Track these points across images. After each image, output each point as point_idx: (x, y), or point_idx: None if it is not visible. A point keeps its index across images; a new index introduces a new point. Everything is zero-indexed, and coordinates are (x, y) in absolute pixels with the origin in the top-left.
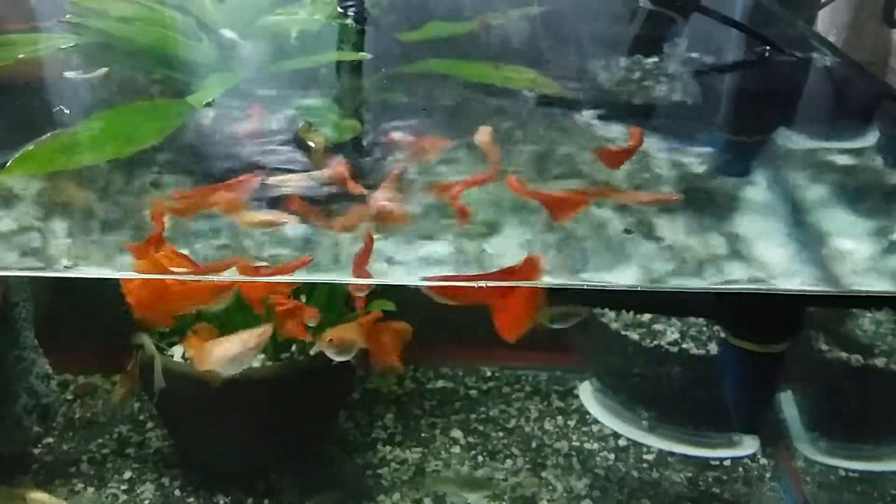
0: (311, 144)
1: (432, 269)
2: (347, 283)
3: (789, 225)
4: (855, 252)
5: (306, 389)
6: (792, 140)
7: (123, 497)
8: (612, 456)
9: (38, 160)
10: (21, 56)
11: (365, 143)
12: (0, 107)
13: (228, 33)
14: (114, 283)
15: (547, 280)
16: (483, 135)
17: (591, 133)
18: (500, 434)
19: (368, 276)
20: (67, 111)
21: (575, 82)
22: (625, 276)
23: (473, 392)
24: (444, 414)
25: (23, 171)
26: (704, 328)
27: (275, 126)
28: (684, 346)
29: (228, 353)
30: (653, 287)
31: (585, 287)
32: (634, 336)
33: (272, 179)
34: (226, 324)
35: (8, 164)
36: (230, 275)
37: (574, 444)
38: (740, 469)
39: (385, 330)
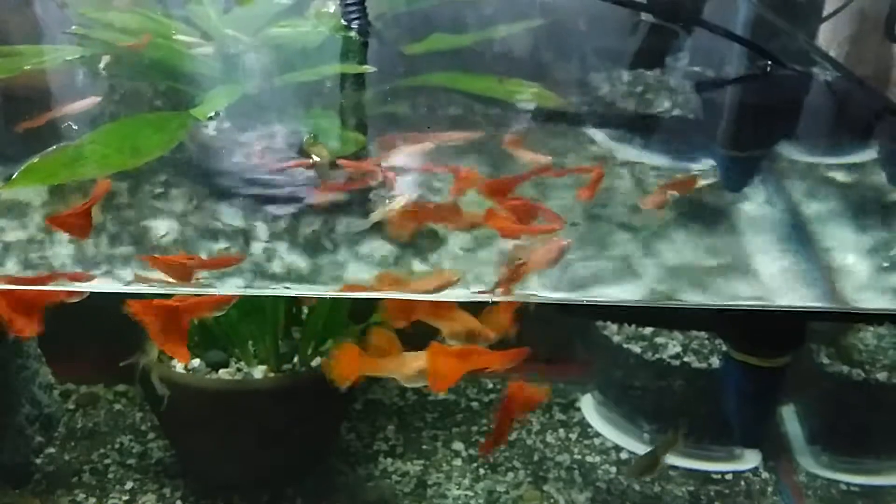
0: (316, 158)
1: None
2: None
3: (788, 240)
4: (855, 268)
5: (308, 400)
6: (793, 154)
7: None
8: (613, 469)
9: (43, 173)
10: (27, 67)
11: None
12: (6, 117)
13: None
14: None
15: (550, 295)
16: None
17: (589, 147)
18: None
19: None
20: (76, 127)
21: (577, 96)
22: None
23: (475, 404)
24: (446, 426)
25: (27, 183)
26: (706, 342)
27: (279, 139)
28: (686, 359)
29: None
30: (654, 302)
31: (585, 302)
32: (636, 349)
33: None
34: (231, 334)
35: (13, 176)
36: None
37: (576, 456)
38: (742, 483)
39: None
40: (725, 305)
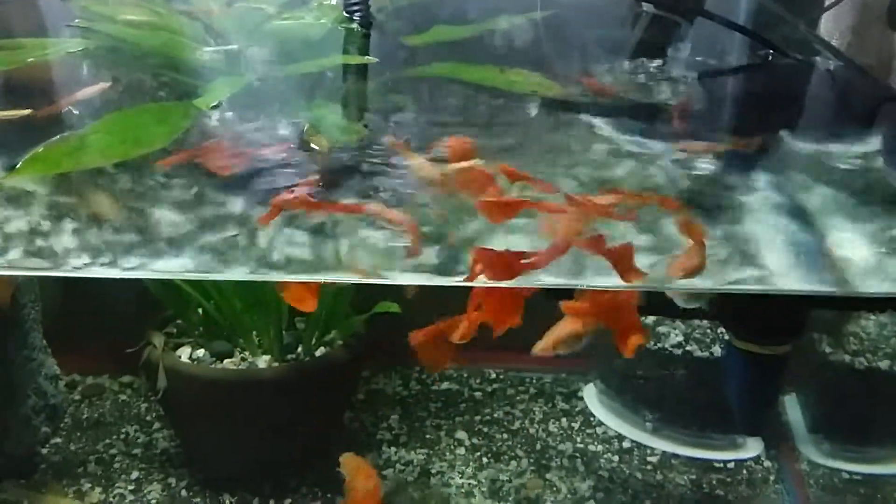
0: (316, 147)
1: None
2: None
3: (791, 228)
4: (858, 255)
5: (312, 390)
6: (795, 144)
7: (130, 497)
8: (616, 458)
9: (47, 162)
10: (30, 60)
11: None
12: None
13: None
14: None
15: (546, 280)
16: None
17: (594, 136)
18: (505, 435)
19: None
20: (77, 112)
21: (579, 86)
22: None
23: (478, 394)
24: (449, 415)
25: (32, 173)
26: (708, 330)
27: (280, 129)
28: (688, 348)
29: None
30: (656, 287)
31: (585, 287)
32: None
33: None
34: (235, 324)
35: (17, 165)
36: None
37: (578, 445)
38: (744, 471)
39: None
40: (725, 289)
